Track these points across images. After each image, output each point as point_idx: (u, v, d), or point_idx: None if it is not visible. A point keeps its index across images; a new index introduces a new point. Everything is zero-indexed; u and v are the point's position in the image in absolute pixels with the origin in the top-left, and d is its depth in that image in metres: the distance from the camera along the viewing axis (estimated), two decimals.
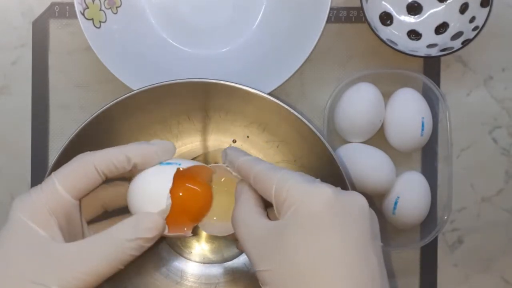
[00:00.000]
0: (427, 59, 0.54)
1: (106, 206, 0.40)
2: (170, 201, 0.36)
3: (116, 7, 0.52)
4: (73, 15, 0.53)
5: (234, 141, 0.50)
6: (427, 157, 0.54)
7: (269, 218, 0.36)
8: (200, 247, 0.51)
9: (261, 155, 0.49)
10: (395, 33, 0.53)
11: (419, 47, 0.52)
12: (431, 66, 0.54)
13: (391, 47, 0.50)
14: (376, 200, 0.53)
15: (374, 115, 0.51)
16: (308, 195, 0.33)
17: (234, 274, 0.50)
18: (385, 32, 0.53)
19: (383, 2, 0.53)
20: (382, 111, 0.52)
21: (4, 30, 0.54)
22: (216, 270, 0.50)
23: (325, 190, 0.33)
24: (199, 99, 0.46)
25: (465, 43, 0.50)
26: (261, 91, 0.45)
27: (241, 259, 0.50)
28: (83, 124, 0.44)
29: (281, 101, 0.44)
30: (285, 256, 0.32)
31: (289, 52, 0.51)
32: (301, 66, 0.50)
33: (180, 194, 0.38)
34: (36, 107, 0.54)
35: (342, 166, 0.44)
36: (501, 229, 0.55)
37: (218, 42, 0.54)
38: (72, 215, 0.34)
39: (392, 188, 0.51)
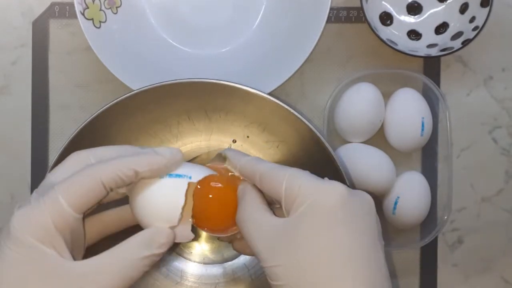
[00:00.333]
0: (427, 59, 0.54)
1: (108, 229, 0.39)
2: (181, 216, 0.36)
3: (116, 7, 0.52)
4: (73, 15, 0.53)
5: (234, 141, 0.50)
6: (427, 157, 0.54)
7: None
8: (200, 247, 0.51)
9: (261, 155, 0.49)
10: (395, 33, 0.53)
11: (419, 47, 0.52)
12: (431, 66, 0.54)
13: (391, 47, 0.50)
14: (376, 200, 0.53)
15: (374, 115, 0.51)
16: (322, 192, 0.33)
17: (234, 274, 0.50)
18: (385, 32, 0.53)
19: (383, 2, 0.53)
20: (382, 111, 0.52)
21: (4, 30, 0.54)
22: (216, 270, 0.50)
23: (339, 187, 0.33)
24: (199, 99, 0.46)
25: (465, 43, 0.50)
26: (261, 91, 0.45)
27: (241, 259, 0.50)
28: (83, 124, 0.44)
29: (281, 101, 0.44)
30: (299, 251, 0.32)
31: (289, 52, 0.51)
32: (301, 66, 0.50)
33: (214, 192, 0.38)
34: (36, 107, 0.54)
35: (342, 166, 0.44)
36: (501, 229, 0.55)
37: (218, 42, 0.54)
38: (76, 231, 0.33)
39: (392, 188, 0.51)
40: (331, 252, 0.31)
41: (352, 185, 0.45)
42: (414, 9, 0.53)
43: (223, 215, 0.38)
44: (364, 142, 0.52)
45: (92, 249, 0.36)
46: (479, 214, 0.55)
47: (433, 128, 0.52)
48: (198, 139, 0.50)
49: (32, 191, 0.53)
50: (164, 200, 0.35)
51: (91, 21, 0.49)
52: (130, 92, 0.44)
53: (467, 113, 0.55)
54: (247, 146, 0.50)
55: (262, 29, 0.53)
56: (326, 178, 0.35)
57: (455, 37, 0.51)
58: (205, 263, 0.51)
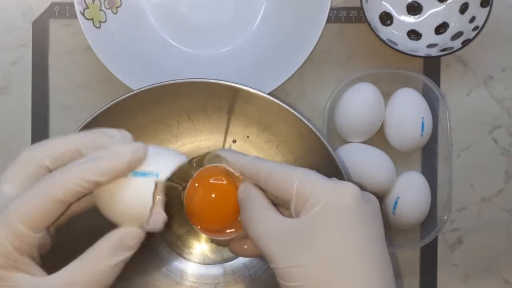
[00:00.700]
0: (427, 59, 0.54)
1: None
2: (150, 214, 0.33)
3: (116, 7, 0.52)
4: (73, 15, 0.53)
5: (234, 141, 0.50)
6: (427, 157, 0.54)
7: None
8: (200, 247, 0.51)
9: (261, 155, 0.49)
10: (395, 33, 0.53)
11: (419, 47, 0.52)
12: (431, 66, 0.54)
13: (391, 47, 0.50)
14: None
15: (374, 115, 0.51)
16: (336, 193, 0.33)
17: (234, 274, 0.50)
18: (385, 32, 0.53)
19: (383, 2, 0.53)
20: (382, 111, 0.52)
21: (4, 30, 0.54)
22: (216, 270, 0.50)
23: (352, 188, 0.33)
24: (199, 99, 0.46)
25: (465, 43, 0.50)
26: (261, 91, 0.45)
27: (241, 259, 0.50)
28: (83, 124, 0.44)
29: (281, 101, 0.44)
30: (316, 252, 0.32)
31: (289, 52, 0.51)
32: (301, 66, 0.50)
33: (213, 195, 0.38)
34: (36, 107, 0.54)
35: (342, 166, 0.44)
36: (501, 229, 0.55)
37: (218, 42, 0.54)
38: (44, 243, 0.32)
39: (392, 188, 0.51)
40: (348, 252, 0.32)
41: None
42: (414, 9, 0.53)
43: (222, 214, 0.38)
44: (364, 142, 0.52)
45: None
46: (479, 214, 0.55)
47: (433, 128, 0.52)
48: (198, 139, 0.50)
49: None
50: (131, 200, 0.33)
51: (91, 21, 0.49)
52: (130, 92, 0.44)
53: (467, 113, 0.55)
54: (247, 146, 0.50)
55: (262, 29, 0.53)
56: (334, 178, 0.35)
57: (455, 37, 0.51)
58: (205, 263, 0.51)
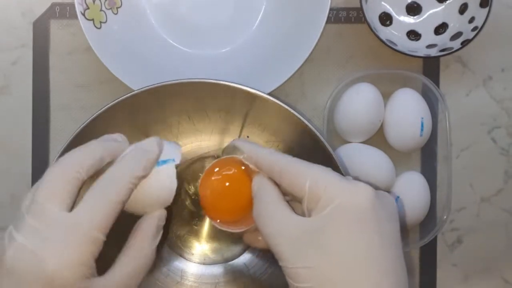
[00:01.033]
0: (427, 59, 0.54)
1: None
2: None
3: (117, 8, 0.52)
4: (73, 16, 0.53)
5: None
6: (427, 157, 0.54)
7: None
8: (201, 247, 0.51)
9: None
10: (394, 34, 0.53)
11: (419, 48, 0.52)
12: (431, 67, 0.54)
13: (390, 47, 0.50)
14: None
15: (374, 115, 0.51)
16: (349, 193, 0.32)
17: (234, 274, 0.50)
18: (385, 32, 0.53)
19: (383, 3, 0.53)
20: (381, 111, 0.52)
21: (4, 31, 0.54)
22: (216, 270, 0.51)
23: (367, 187, 0.33)
24: (199, 99, 0.46)
25: (465, 43, 0.50)
26: (261, 91, 0.45)
27: (241, 259, 0.51)
28: (83, 124, 0.44)
29: (281, 101, 0.44)
30: (330, 253, 0.32)
31: (289, 52, 0.51)
32: (301, 66, 0.50)
33: (227, 185, 0.38)
34: (36, 107, 0.54)
35: (342, 166, 0.44)
36: (501, 229, 0.55)
37: (218, 42, 0.54)
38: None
39: (392, 188, 0.51)
40: (359, 256, 0.31)
41: None
42: (413, 9, 0.54)
43: (236, 205, 0.38)
44: (364, 142, 0.52)
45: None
46: (478, 214, 0.55)
47: (432, 128, 0.52)
48: (198, 139, 0.50)
49: None
50: (160, 187, 0.36)
51: (91, 21, 0.50)
52: (131, 92, 0.44)
53: (467, 113, 0.55)
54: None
55: (262, 29, 0.54)
56: (349, 177, 0.35)
57: (454, 37, 0.52)
58: (205, 263, 0.51)
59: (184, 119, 0.48)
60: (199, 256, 0.51)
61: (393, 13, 0.54)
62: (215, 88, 0.45)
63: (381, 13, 0.53)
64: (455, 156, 0.55)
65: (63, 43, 0.54)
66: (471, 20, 0.51)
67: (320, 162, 0.45)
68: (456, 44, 0.50)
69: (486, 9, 0.49)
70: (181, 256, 0.51)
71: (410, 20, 0.54)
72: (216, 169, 0.39)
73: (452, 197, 0.52)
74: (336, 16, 0.54)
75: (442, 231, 0.54)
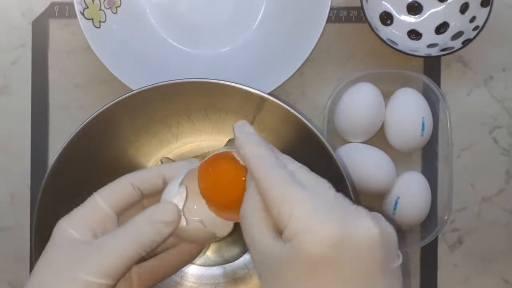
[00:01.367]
0: (427, 59, 0.54)
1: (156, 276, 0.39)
2: (183, 190, 0.35)
3: (116, 7, 0.52)
4: (73, 15, 0.53)
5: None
6: (427, 157, 0.54)
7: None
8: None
9: None
10: (395, 33, 0.53)
11: (419, 47, 0.52)
12: (432, 66, 0.54)
13: (391, 47, 0.50)
14: (376, 200, 0.53)
15: (374, 115, 0.51)
16: (310, 232, 0.29)
17: (234, 275, 0.50)
18: (385, 32, 0.53)
19: (383, 2, 0.53)
20: (382, 111, 0.52)
21: (4, 30, 0.54)
22: (216, 270, 0.50)
23: (331, 228, 0.29)
24: (199, 99, 0.46)
25: (466, 43, 0.49)
26: (261, 91, 0.45)
27: (241, 260, 0.50)
28: (83, 124, 0.44)
29: (281, 101, 0.44)
30: None
31: (289, 52, 0.51)
32: (301, 66, 0.50)
33: (210, 170, 0.37)
34: (36, 107, 0.54)
35: (342, 166, 0.44)
36: (501, 229, 0.55)
37: (218, 42, 0.54)
38: (108, 225, 0.35)
39: (392, 188, 0.51)
40: None
41: (352, 185, 0.44)
42: (414, 8, 0.53)
43: (232, 190, 0.35)
44: (364, 142, 0.52)
45: None
46: (479, 214, 0.55)
47: (433, 128, 0.52)
48: (198, 139, 0.50)
49: (31, 191, 0.53)
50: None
51: (90, 21, 0.49)
52: (130, 92, 0.44)
53: (468, 113, 0.54)
54: None
55: (262, 29, 0.53)
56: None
57: (455, 37, 0.51)
58: (205, 265, 0.51)
59: (184, 119, 0.48)
60: (199, 257, 0.51)
61: (394, 13, 0.53)
62: (215, 88, 0.45)
63: (382, 13, 0.53)
64: (456, 156, 0.54)
65: (62, 42, 0.54)
66: (472, 19, 0.51)
67: (320, 162, 0.45)
68: (457, 43, 0.50)
69: (487, 9, 0.49)
70: None
71: (411, 19, 0.54)
72: (207, 160, 0.38)
73: (453, 197, 0.52)
74: (336, 16, 0.54)
75: (443, 232, 0.54)
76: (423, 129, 0.50)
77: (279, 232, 0.31)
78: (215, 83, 0.44)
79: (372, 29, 0.50)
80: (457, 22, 0.52)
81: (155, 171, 0.37)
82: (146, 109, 0.46)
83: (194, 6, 0.54)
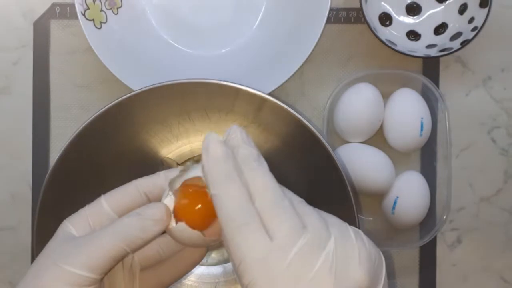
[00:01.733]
0: (426, 59, 0.54)
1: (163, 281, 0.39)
2: (171, 194, 0.35)
3: (117, 8, 0.52)
4: (74, 16, 0.53)
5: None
6: (426, 157, 0.54)
7: None
8: None
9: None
10: (394, 34, 0.53)
11: (418, 48, 0.52)
12: (430, 67, 0.54)
13: (390, 47, 0.50)
14: (375, 200, 0.53)
15: (374, 115, 0.51)
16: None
17: (234, 274, 0.50)
18: (385, 32, 0.53)
19: (382, 3, 0.54)
20: (381, 111, 0.52)
21: (5, 31, 0.54)
22: (216, 269, 0.51)
23: None
24: (199, 99, 0.46)
25: (464, 43, 0.50)
26: (261, 91, 0.45)
27: None
28: (83, 124, 0.44)
29: (281, 101, 0.45)
30: None
31: (289, 52, 0.51)
32: (301, 66, 0.50)
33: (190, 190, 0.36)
34: (37, 107, 0.54)
35: (341, 166, 0.44)
36: (500, 229, 0.55)
37: (218, 43, 0.54)
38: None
39: (391, 188, 0.52)
40: None
41: (351, 185, 0.44)
42: (413, 9, 0.54)
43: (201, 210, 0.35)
44: (364, 142, 0.53)
45: None
46: (478, 214, 0.55)
47: (432, 128, 0.52)
48: (198, 139, 0.50)
49: (32, 191, 0.53)
50: None
51: (91, 21, 0.50)
52: (131, 92, 0.44)
53: (466, 113, 0.55)
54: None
55: (262, 29, 0.54)
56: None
57: (454, 37, 0.52)
58: (205, 264, 0.51)
59: (184, 119, 0.48)
60: None
61: (393, 13, 0.54)
62: (215, 88, 0.45)
63: (381, 13, 0.53)
64: (454, 156, 0.55)
65: (63, 43, 0.54)
66: (471, 20, 0.51)
67: (320, 162, 0.45)
68: (456, 44, 0.50)
69: (486, 9, 0.49)
70: None
71: (409, 20, 0.54)
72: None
73: (451, 197, 0.52)
74: (336, 16, 0.54)
75: (441, 231, 0.54)
76: (422, 129, 0.51)
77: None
78: (215, 83, 0.44)
79: (371, 30, 0.50)
80: (455, 23, 0.52)
81: (161, 176, 0.37)
82: (146, 110, 0.46)
83: (195, 7, 0.54)
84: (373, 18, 0.52)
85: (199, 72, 0.51)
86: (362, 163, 0.50)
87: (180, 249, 0.38)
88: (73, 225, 0.34)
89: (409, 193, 0.51)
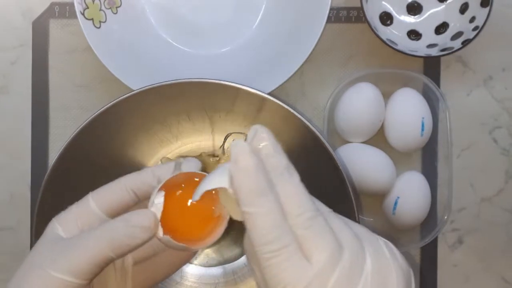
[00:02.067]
0: (427, 59, 0.54)
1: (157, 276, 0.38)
2: (161, 199, 0.34)
3: (116, 7, 0.52)
4: (73, 15, 0.53)
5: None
6: (427, 157, 0.54)
7: None
8: (202, 250, 0.51)
9: None
10: (395, 33, 0.53)
11: (419, 47, 0.52)
12: (431, 66, 0.54)
13: (391, 47, 0.50)
14: (376, 200, 0.53)
15: (374, 115, 0.51)
16: None
17: (234, 275, 0.50)
18: (385, 32, 0.53)
19: (383, 2, 0.53)
20: (382, 111, 0.52)
21: (4, 30, 0.54)
22: (216, 270, 0.50)
23: None
24: (199, 99, 0.46)
25: (465, 43, 0.50)
26: (261, 91, 0.45)
27: (241, 260, 0.50)
28: (83, 124, 0.44)
29: (281, 101, 0.44)
30: None
31: (289, 52, 0.51)
32: (301, 66, 0.50)
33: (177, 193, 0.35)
34: (36, 107, 0.54)
35: (342, 166, 0.44)
36: (501, 229, 0.55)
37: (218, 42, 0.54)
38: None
39: (392, 188, 0.51)
40: None
41: (352, 185, 0.44)
42: (414, 9, 0.53)
43: (193, 225, 0.34)
44: (364, 142, 0.52)
45: None
46: (479, 214, 0.55)
47: (433, 128, 0.52)
48: (198, 139, 0.50)
49: (32, 191, 0.53)
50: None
51: (91, 21, 0.49)
52: (130, 92, 0.44)
53: (467, 113, 0.55)
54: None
55: (262, 29, 0.53)
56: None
57: (455, 37, 0.51)
58: (205, 265, 0.51)
59: (184, 119, 0.48)
60: (199, 257, 0.51)
61: (394, 13, 0.53)
62: (215, 88, 0.45)
63: (382, 13, 0.53)
64: (455, 156, 0.54)
65: (62, 42, 0.54)
66: (472, 19, 0.51)
67: (320, 162, 0.45)
68: (457, 43, 0.50)
69: (487, 9, 0.49)
70: None
71: (410, 19, 0.54)
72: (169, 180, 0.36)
73: (452, 197, 0.52)
74: (336, 16, 0.54)
75: (442, 231, 0.54)
76: (422, 129, 0.50)
77: None
78: (215, 83, 0.44)
79: (372, 29, 0.50)
80: (456, 22, 0.52)
81: (149, 173, 0.36)
82: (146, 109, 0.46)
83: (194, 6, 0.54)
84: (373, 17, 0.52)
85: (198, 71, 0.51)
86: (363, 163, 0.50)
87: None
88: (60, 225, 0.34)
89: (410, 193, 0.51)
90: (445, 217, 0.51)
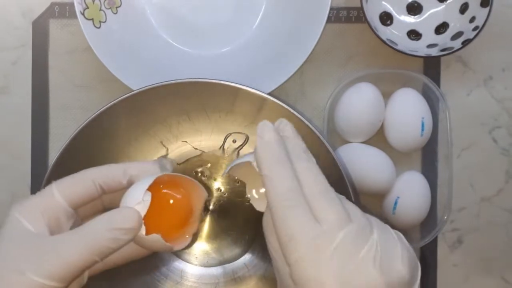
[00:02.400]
0: (427, 59, 0.54)
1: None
2: (148, 198, 0.34)
3: (116, 7, 0.52)
4: (73, 15, 0.53)
5: (234, 141, 0.50)
6: (427, 157, 0.54)
7: None
8: (201, 248, 0.51)
9: None
10: (395, 33, 0.53)
11: (419, 47, 0.52)
12: (431, 66, 0.54)
13: (391, 47, 0.50)
14: (376, 200, 0.53)
15: (374, 115, 0.51)
16: (313, 282, 0.28)
17: (234, 274, 0.50)
18: (385, 32, 0.53)
19: (383, 2, 0.53)
20: (382, 111, 0.52)
21: (4, 30, 0.54)
22: (216, 270, 0.50)
23: (334, 279, 0.28)
24: (199, 99, 0.46)
25: (465, 43, 0.50)
26: (261, 91, 0.45)
27: (241, 260, 0.50)
28: (83, 124, 0.44)
29: (281, 101, 0.44)
30: None
31: (289, 52, 0.51)
32: (301, 66, 0.50)
33: (163, 195, 0.36)
34: (36, 107, 0.54)
35: (342, 166, 0.44)
36: (501, 229, 0.55)
37: (218, 42, 0.54)
38: (63, 221, 0.34)
39: (392, 188, 0.51)
40: None
41: (352, 185, 0.44)
42: (414, 9, 0.53)
43: (173, 222, 0.36)
44: (364, 142, 0.52)
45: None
46: (479, 214, 0.55)
47: (433, 128, 0.52)
48: (198, 139, 0.50)
49: (32, 190, 0.53)
50: (133, 188, 0.35)
51: (91, 21, 0.49)
52: (130, 92, 0.44)
53: (467, 113, 0.55)
54: (247, 147, 0.50)
55: (262, 29, 0.53)
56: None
57: (455, 37, 0.51)
58: (206, 265, 0.51)
59: (184, 119, 0.48)
60: (199, 257, 0.51)
61: (394, 13, 0.53)
62: (215, 88, 0.45)
63: (382, 13, 0.53)
64: (455, 156, 0.54)
65: (62, 42, 0.54)
66: (472, 19, 0.51)
67: (320, 162, 0.45)
68: (457, 43, 0.50)
69: (487, 9, 0.49)
70: (181, 257, 0.51)
71: (410, 19, 0.54)
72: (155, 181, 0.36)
73: (452, 197, 0.52)
74: (336, 16, 0.54)
75: (442, 231, 0.54)
76: (422, 129, 0.50)
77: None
78: (215, 83, 0.44)
79: (372, 29, 0.50)
80: (456, 22, 0.52)
81: (120, 168, 0.35)
82: (146, 109, 0.46)
83: (195, 7, 0.54)
84: (373, 17, 0.52)
85: (198, 71, 0.51)
86: (362, 163, 0.50)
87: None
88: (25, 218, 0.33)
89: (410, 193, 0.51)
90: (445, 217, 0.51)
